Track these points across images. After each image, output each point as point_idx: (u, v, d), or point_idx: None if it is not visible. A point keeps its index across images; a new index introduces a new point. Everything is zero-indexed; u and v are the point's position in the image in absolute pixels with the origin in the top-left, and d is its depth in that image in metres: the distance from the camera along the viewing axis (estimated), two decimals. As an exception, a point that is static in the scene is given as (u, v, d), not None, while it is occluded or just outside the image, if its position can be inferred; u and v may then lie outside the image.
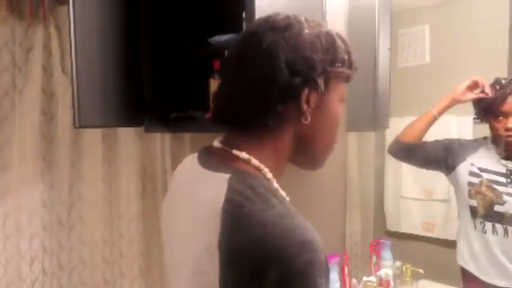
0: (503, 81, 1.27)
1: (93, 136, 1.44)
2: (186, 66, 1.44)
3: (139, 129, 1.46)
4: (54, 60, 1.35)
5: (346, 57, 0.67)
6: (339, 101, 0.69)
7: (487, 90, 1.27)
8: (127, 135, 1.51)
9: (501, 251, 1.26)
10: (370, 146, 1.71)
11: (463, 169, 1.34)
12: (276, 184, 0.64)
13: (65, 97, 1.35)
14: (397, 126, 1.54)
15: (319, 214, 1.40)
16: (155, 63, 1.37)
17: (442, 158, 1.39)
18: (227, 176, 0.59)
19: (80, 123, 1.10)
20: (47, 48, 1.34)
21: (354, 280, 1.41)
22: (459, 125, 1.43)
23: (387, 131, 1.60)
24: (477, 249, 1.31)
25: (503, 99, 1.24)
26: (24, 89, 1.30)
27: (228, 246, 0.53)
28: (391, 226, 1.64)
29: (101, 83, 1.17)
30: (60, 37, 1.36)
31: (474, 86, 1.31)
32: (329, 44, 0.64)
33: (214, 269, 0.54)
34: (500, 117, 1.25)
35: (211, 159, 0.67)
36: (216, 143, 0.69)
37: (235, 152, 0.64)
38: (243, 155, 0.63)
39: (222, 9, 1.35)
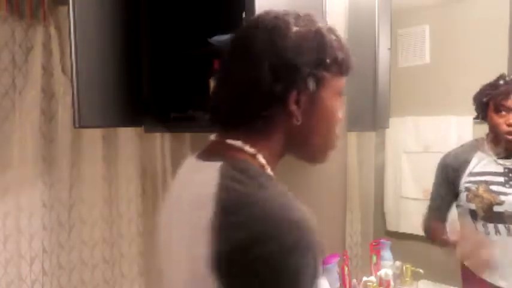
0: (507, 78, 1.28)
1: (93, 136, 1.44)
2: (186, 66, 1.43)
3: (139, 129, 1.46)
4: (54, 60, 1.35)
5: (339, 54, 0.65)
6: (335, 95, 0.68)
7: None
8: (127, 135, 1.51)
9: (506, 251, 1.25)
10: (370, 146, 1.71)
11: (462, 180, 1.34)
12: (269, 171, 0.64)
13: (65, 97, 1.35)
14: (397, 126, 1.54)
15: (319, 214, 1.40)
16: (155, 63, 1.37)
17: (450, 187, 1.38)
18: (218, 164, 0.60)
19: (80, 123, 1.10)
20: (47, 48, 1.34)
21: (354, 280, 1.40)
22: (459, 125, 1.43)
23: (387, 131, 1.60)
24: None
25: (507, 94, 1.24)
26: (24, 89, 1.31)
27: (221, 226, 0.54)
28: (391, 226, 1.63)
29: (101, 83, 1.17)
30: (60, 37, 1.36)
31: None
32: (317, 44, 0.63)
33: (207, 250, 0.54)
34: (503, 112, 1.24)
35: (206, 150, 0.69)
36: (212, 136, 0.70)
37: (229, 141, 0.64)
38: (237, 143, 0.64)
39: (222, 9, 1.35)
